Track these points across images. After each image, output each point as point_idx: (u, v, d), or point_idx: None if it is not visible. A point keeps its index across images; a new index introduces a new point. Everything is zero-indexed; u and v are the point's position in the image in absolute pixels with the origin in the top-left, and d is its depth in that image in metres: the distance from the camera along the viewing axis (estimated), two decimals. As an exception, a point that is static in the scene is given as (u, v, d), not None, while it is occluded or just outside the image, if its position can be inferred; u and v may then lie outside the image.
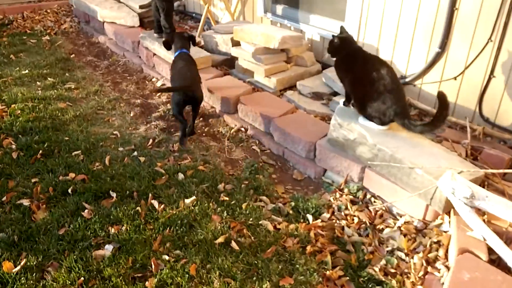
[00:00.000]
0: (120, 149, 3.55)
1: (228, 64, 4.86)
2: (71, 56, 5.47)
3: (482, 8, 3.26)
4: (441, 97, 2.64)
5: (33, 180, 3.11)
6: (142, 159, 3.40)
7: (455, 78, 3.60)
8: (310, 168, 3.35)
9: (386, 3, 3.86)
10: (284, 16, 4.96)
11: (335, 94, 4.07)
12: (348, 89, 3.16)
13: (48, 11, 6.77)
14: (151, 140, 3.69)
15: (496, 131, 3.36)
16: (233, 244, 2.56)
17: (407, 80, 3.94)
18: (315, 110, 3.89)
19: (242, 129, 3.90)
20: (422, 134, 2.89)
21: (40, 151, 3.39)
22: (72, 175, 3.15)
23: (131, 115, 4.12)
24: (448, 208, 2.59)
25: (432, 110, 3.75)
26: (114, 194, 2.95)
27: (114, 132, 3.78)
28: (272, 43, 4.16)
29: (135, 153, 3.50)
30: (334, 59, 3.19)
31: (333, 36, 3.13)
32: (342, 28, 3.22)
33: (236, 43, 4.63)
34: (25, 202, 2.86)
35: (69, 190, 2.98)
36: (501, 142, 3.35)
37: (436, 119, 2.69)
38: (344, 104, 3.26)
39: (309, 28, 4.66)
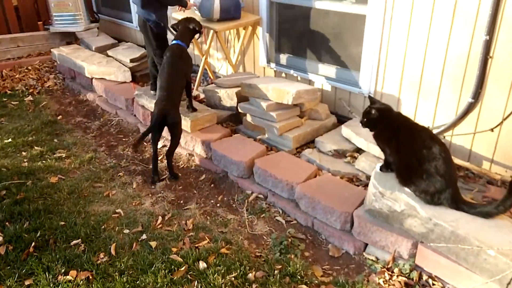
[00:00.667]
0: (126, 231, 3.09)
1: (233, 120, 4.49)
2: (58, 118, 5.02)
3: (521, 56, 3.00)
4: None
5: (26, 283, 2.61)
6: (153, 244, 2.94)
7: (492, 130, 3.30)
8: (348, 242, 2.94)
9: (407, 50, 3.59)
10: (289, 65, 4.66)
11: (359, 150, 3.73)
12: (389, 160, 2.81)
13: (29, 68, 6.32)
14: (160, 218, 3.24)
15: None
16: None
17: (434, 132, 3.63)
18: (340, 170, 3.52)
19: (261, 196, 3.48)
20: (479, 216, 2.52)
21: (33, 243, 2.90)
22: (73, 273, 2.67)
23: (134, 186, 3.67)
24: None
25: (464, 164, 3.44)
26: (127, 297, 2.48)
27: (117, 210, 3.31)
28: (285, 98, 3.82)
29: (144, 236, 3.03)
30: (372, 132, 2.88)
31: (369, 107, 2.81)
32: (371, 98, 2.92)
33: (242, 98, 4.28)
34: (20, 316, 2.36)
35: (72, 294, 2.49)
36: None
37: (501, 204, 2.39)
38: (381, 170, 2.90)
39: (318, 78, 4.36)
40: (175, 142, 3.78)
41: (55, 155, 4.12)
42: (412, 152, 2.61)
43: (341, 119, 4.22)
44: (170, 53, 3.92)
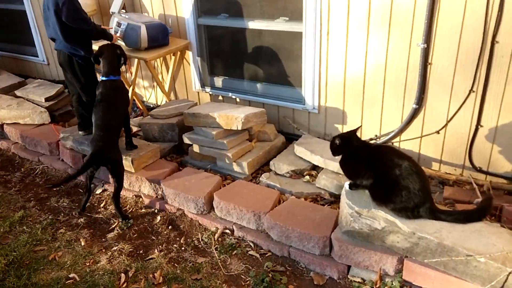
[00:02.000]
0: (87, 299, 2.71)
1: (176, 151, 4.23)
2: (-32, 174, 4.34)
3: (458, 61, 3.17)
4: (488, 200, 2.60)
5: None
6: (123, 308, 2.61)
7: (438, 132, 3.46)
8: (330, 267, 2.87)
9: (347, 62, 3.64)
10: (226, 88, 4.52)
11: (315, 167, 3.70)
12: (361, 185, 2.80)
13: None
14: (123, 276, 2.90)
15: (506, 184, 3.24)
16: None
17: (381, 140, 3.73)
18: (302, 191, 3.45)
19: (227, 231, 3.29)
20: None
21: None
22: None
23: (82, 243, 3.25)
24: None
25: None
26: None
27: (70, 276, 2.90)
28: (234, 124, 3.67)
29: (110, 300, 2.69)
30: (339, 158, 2.89)
31: (333, 138, 2.84)
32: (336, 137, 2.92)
33: (185, 127, 4.04)
34: None
35: None
36: (505, 192, 3.24)
37: (475, 213, 2.56)
38: (350, 188, 2.88)
39: (260, 98, 4.28)
40: (119, 183, 3.46)
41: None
42: (384, 173, 2.63)
43: (289, 137, 4.17)
44: (103, 89, 3.58)
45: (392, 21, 3.33)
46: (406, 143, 3.66)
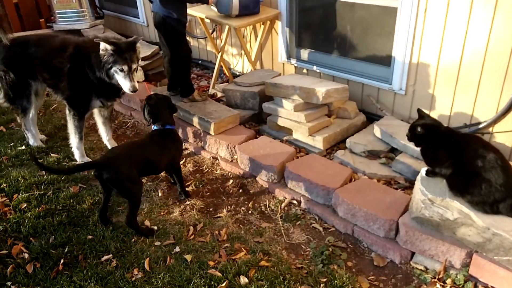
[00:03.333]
0: (157, 243, 2.93)
1: (255, 120, 4.32)
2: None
3: None
4: None
5: (59, 304, 2.46)
6: (188, 257, 2.78)
7: (536, 127, 3.14)
8: (393, 251, 2.79)
9: (443, 43, 3.41)
10: (311, 61, 4.48)
11: (393, 150, 3.57)
12: (439, 174, 2.66)
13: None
14: (191, 228, 3.08)
15: None
16: None
17: (472, 129, 3.47)
18: (376, 173, 3.36)
19: (294, 201, 3.33)
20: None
21: (62, 260, 2.74)
22: (108, 292, 2.51)
23: (159, 194, 3.50)
24: None
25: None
26: (168, 318, 2.33)
27: (145, 222, 3.15)
28: (314, 98, 3.65)
29: (177, 248, 2.88)
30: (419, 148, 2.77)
31: (413, 124, 2.73)
32: (419, 111, 2.81)
33: (265, 97, 4.10)
34: None
35: (109, 317, 2.34)
36: None
37: None
38: (427, 174, 2.74)
39: (344, 74, 4.18)
40: (131, 205, 2.98)
41: (72, 162, 3.94)
42: (466, 164, 2.48)
43: (370, 117, 4.05)
44: (160, 137, 3.25)
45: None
46: (499, 136, 3.37)
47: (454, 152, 2.53)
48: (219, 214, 3.27)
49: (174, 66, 4.16)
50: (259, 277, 2.60)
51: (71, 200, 3.36)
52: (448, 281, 2.54)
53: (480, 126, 3.41)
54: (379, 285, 2.64)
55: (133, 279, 2.62)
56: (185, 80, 4.22)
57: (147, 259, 2.76)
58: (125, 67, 3.38)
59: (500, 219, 2.39)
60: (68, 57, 3.59)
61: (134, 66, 3.45)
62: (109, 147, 4.09)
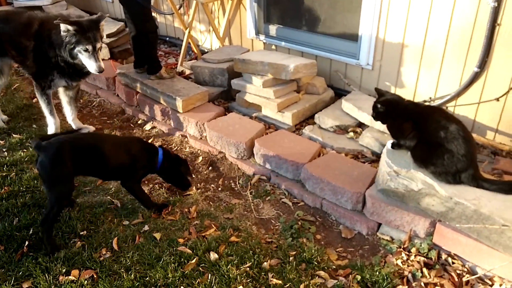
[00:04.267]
0: (126, 222, 2.90)
1: (224, 97, 4.28)
2: (34, 101, 4.66)
3: (532, 23, 2.90)
4: None
5: (25, 286, 2.40)
6: (157, 235, 2.76)
7: (497, 99, 3.23)
8: (360, 223, 2.85)
9: (409, 18, 3.44)
10: (280, 37, 4.44)
11: (361, 125, 3.61)
12: (403, 145, 2.71)
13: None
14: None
15: None
16: None
17: (436, 102, 3.55)
18: (344, 147, 3.40)
19: (264, 177, 3.34)
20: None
21: (26, 242, 2.67)
22: (75, 272, 2.47)
23: (127, 173, 3.44)
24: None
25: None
26: (138, 296, 2.31)
27: (113, 201, 3.10)
28: (282, 73, 3.63)
29: (146, 227, 2.85)
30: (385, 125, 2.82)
31: (374, 103, 2.76)
32: (377, 90, 2.85)
33: (234, 73, 4.06)
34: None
35: (78, 297, 2.31)
36: None
37: None
38: (392, 147, 2.79)
39: (313, 50, 4.17)
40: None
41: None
42: (429, 135, 2.52)
43: (338, 93, 4.08)
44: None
45: (462, -26, 3.07)
46: (462, 109, 3.45)
47: (417, 124, 2.57)
48: (189, 192, 3.25)
49: (139, 42, 4.05)
50: (229, 253, 2.61)
51: (35, 181, 3.26)
52: (413, 250, 2.62)
53: (444, 100, 3.48)
54: (347, 256, 2.70)
55: (101, 258, 2.58)
56: (152, 57, 4.12)
57: (115, 238, 2.72)
58: (89, 47, 3.27)
59: (462, 188, 2.46)
60: (33, 34, 3.44)
61: (98, 45, 3.33)
62: (74, 127, 3.98)
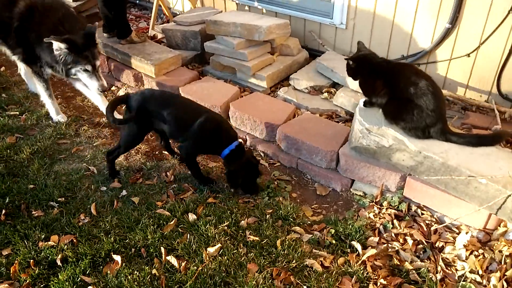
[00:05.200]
0: (103, 188, 2.91)
1: (198, 61, 4.23)
2: (1, 69, 4.53)
3: (500, -23, 2.92)
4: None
5: (4, 253, 2.42)
6: (135, 199, 2.79)
7: (468, 55, 3.29)
8: (334, 180, 2.93)
9: (381, -23, 3.42)
10: (253, -3, 4.37)
11: (335, 85, 3.64)
12: (375, 102, 2.74)
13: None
14: (138, 172, 3.07)
15: (529, 113, 3.11)
16: (290, 303, 2.11)
17: (409, 60, 3.59)
18: (318, 108, 3.43)
19: (240, 140, 3.36)
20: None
21: (3, 210, 2.67)
22: (55, 238, 2.49)
23: (102, 140, 3.42)
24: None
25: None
26: (118, 257, 2.35)
27: (89, 168, 3.10)
28: (255, 35, 3.60)
29: (124, 192, 2.87)
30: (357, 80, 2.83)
31: (347, 59, 2.77)
32: (359, 43, 2.85)
33: (208, 36, 4.00)
34: (4, 289, 2.20)
35: (58, 261, 2.34)
36: (529, 122, 3.12)
37: (489, 138, 2.54)
38: (364, 105, 2.83)
39: (286, 10, 4.12)
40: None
41: (7, 112, 3.74)
42: (399, 91, 2.56)
43: (313, 53, 4.07)
44: None
45: None
46: (433, 66, 3.51)
47: (388, 81, 2.61)
48: (166, 157, 3.25)
49: (108, 6, 3.93)
50: (207, 213, 2.66)
51: (8, 151, 3.22)
52: (385, 203, 2.72)
53: (416, 57, 3.52)
54: (322, 212, 2.79)
55: (80, 224, 2.60)
56: (121, 21, 4.01)
57: (93, 204, 2.74)
58: (89, 67, 3.12)
59: (431, 142, 2.53)
60: (18, 14, 3.16)
61: (98, 63, 3.17)
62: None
